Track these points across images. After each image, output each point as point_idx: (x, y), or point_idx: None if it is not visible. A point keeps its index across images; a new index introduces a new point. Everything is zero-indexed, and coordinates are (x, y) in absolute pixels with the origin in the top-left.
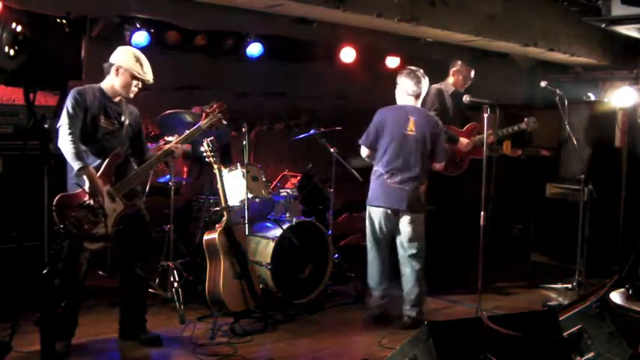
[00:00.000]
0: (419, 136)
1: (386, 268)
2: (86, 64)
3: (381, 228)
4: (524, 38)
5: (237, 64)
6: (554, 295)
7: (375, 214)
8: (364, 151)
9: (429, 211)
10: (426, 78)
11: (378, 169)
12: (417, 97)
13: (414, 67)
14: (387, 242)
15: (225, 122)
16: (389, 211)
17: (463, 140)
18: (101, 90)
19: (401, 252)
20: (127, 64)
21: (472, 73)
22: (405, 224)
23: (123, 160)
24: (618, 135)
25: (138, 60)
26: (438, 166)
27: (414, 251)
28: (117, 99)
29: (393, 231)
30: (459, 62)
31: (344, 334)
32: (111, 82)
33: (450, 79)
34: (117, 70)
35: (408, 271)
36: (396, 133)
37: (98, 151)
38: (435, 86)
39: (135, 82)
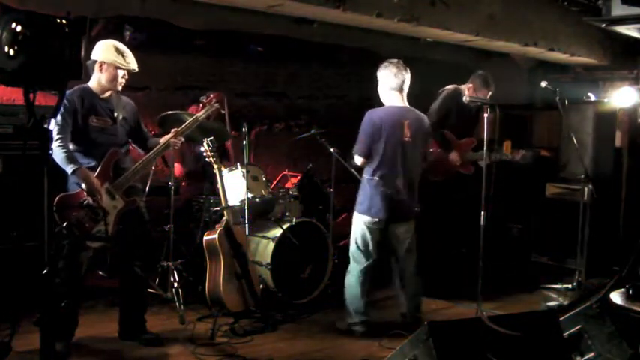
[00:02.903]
0: (413, 142)
1: (368, 281)
2: (86, 64)
3: (374, 240)
4: (524, 38)
5: (237, 64)
6: (554, 295)
7: (371, 224)
8: (359, 160)
9: (430, 211)
10: (407, 69)
11: (374, 178)
12: (400, 89)
13: (393, 59)
14: (376, 253)
15: (223, 112)
16: (385, 222)
17: (453, 155)
18: (89, 89)
19: (401, 255)
20: (109, 58)
21: (489, 95)
22: (404, 231)
23: (121, 157)
24: (618, 135)
25: (118, 51)
26: (423, 165)
27: (413, 253)
28: (106, 95)
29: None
30: (478, 80)
31: (344, 334)
32: (97, 80)
33: (465, 89)
34: (100, 66)
35: (410, 271)
36: (393, 141)
37: (93, 150)
38: (452, 89)
39: (121, 73)
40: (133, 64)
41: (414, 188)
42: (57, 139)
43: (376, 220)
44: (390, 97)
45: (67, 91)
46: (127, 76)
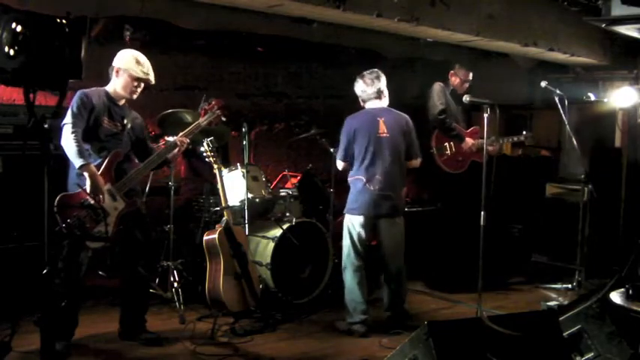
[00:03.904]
0: (391, 137)
1: (365, 280)
2: (86, 64)
3: (362, 238)
4: (524, 38)
5: (237, 64)
6: (554, 295)
7: (358, 222)
8: (340, 165)
9: (434, 210)
10: (380, 75)
11: (357, 177)
12: (378, 97)
13: (364, 72)
14: (367, 251)
15: (224, 119)
16: (371, 219)
17: (468, 140)
18: (106, 93)
19: (386, 250)
20: (126, 65)
21: (470, 76)
22: (388, 228)
23: (123, 159)
24: (618, 135)
25: (137, 61)
26: (415, 162)
27: (398, 252)
28: (121, 102)
29: (371, 237)
30: (457, 65)
31: (344, 334)
32: (113, 85)
33: (449, 81)
34: (117, 71)
35: (392, 271)
36: (369, 139)
37: (100, 150)
38: (438, 83)
39: (135, 83)
40: (150, 76)
41: (399, 184)
42: (72, 132)
43: (362, 218)
44: (370, 104)
45: (86, 90)
46: (141, 86)
